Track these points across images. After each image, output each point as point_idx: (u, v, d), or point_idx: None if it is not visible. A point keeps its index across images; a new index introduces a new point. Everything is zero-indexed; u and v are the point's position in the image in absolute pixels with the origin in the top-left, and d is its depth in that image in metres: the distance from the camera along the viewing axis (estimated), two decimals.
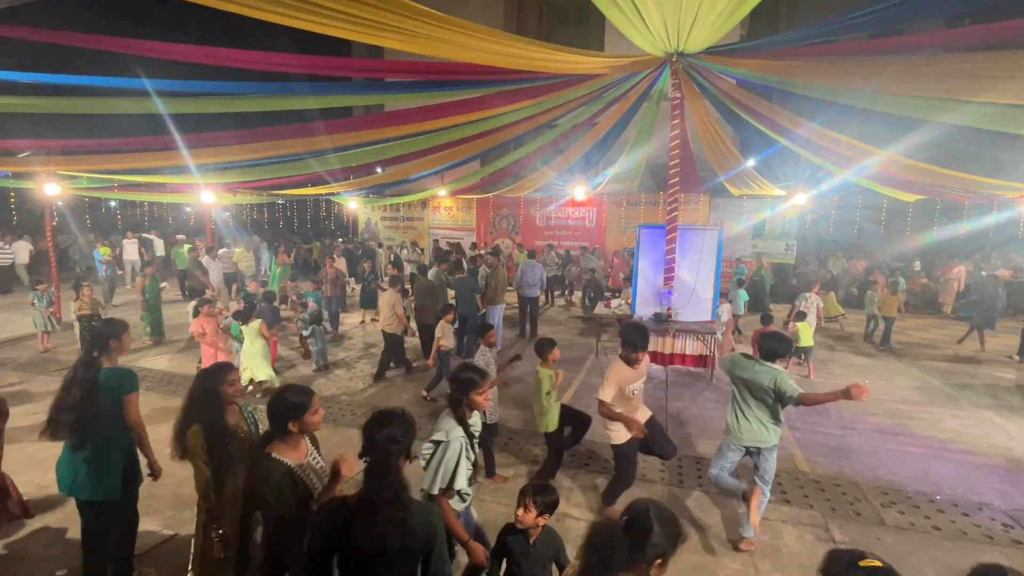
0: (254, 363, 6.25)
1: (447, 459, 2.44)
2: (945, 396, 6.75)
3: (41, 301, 7.80)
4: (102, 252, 12.71)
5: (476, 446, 2.64)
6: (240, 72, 5.92)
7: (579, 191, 13.48)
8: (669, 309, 7.32)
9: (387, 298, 7.14)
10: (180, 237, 14.66)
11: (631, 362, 3.58)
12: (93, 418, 2.76)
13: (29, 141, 8.26)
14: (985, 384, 7.25)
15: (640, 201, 15.26)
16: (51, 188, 9.22)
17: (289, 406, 2.10)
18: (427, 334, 7.83)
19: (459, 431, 2.51)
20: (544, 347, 4.11)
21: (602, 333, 8.90)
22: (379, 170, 13.27)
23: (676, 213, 7.21)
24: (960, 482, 4.55)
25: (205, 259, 10.64)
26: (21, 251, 13.75)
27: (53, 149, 8.67)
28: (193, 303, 6.97)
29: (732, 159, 10.50)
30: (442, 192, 15.90)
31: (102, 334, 2.96)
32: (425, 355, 7.83)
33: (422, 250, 15.83)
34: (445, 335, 6.13)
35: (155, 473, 3.07)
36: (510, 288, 9.63)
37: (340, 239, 19.02)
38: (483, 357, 4.40)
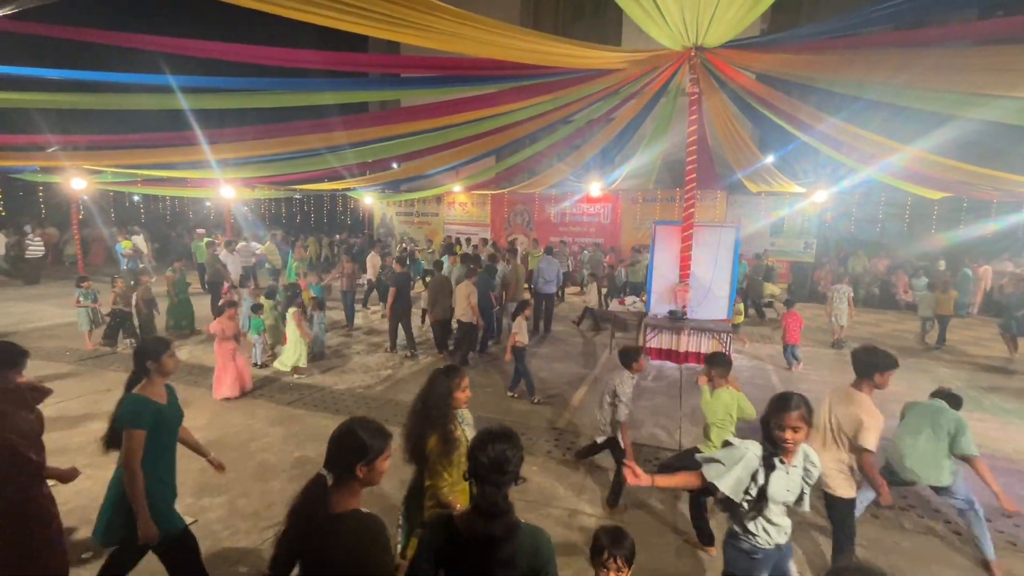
0: (295, 349, 6.73)
1: (727, 454, 2.31)
2: (969, 399, 6.56)
3: (87, 298, 7.82)
4: (124, 246, 13.01)
5: (767, 481, 2.22)
6: (259, 68, 6.00)
7: (594, 187, 13.41)
8: (684, 307, 7.27)
9: (462, 290, 7.28)
10: (200, 231, 14.95)
11: (882, 387, 3.07)
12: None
13: (56, 136, 8.48)
14: (1011, 388, 7.05)
15: (656, 198, 15.13)
16: (77, 183, 9.46)
17: (365, 446, 1.64)
18: (439, 330, 7.90)
19: (758, 450, 2.27)
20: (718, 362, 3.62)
21: (615, 331, 8.86)
22: (395, 166, 13.37)
23: (692, 210, 7.14)
24: (983, 487, 4.43)
25: (223, 253, 10.82)
26: None
27: (79, 144, 8.89)
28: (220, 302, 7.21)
29: (750, 155, 10.35)
30: (457, 188, 15.95)
31: (138, 355, 2.58)
32: (439, 349, 7.91)
33: (433, 250, 15.91)
34: (520, 331, 6.04)
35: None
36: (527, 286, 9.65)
37: (338, 235, 19.14)
38: (625, 385, 3.92)
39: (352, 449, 1.63)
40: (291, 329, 6.77)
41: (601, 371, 7.37)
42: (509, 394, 6.25)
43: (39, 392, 2.78)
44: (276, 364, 6.96)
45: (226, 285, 9.40)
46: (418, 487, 2.59)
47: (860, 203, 14.85)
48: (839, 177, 11.86)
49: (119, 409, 2.48)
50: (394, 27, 4.37)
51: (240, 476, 4.29)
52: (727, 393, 3.45)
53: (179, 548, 2.61)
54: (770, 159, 11.09)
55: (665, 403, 6.16)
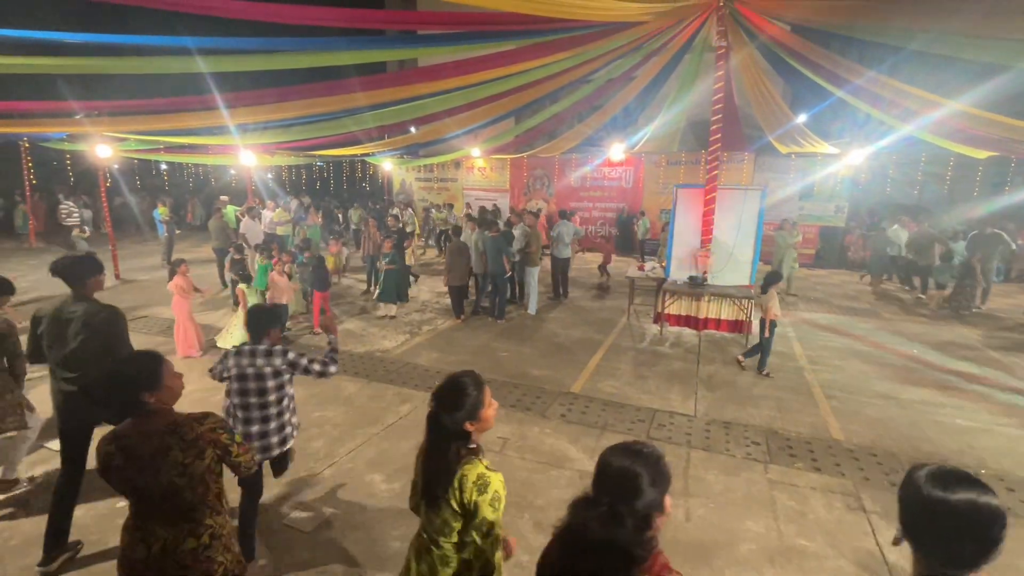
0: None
1: None
2: (1002, 367, 6.36)
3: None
4: (161, 212, 13.26)
5: None
6: (276, 28, 5.90)
7: (616, 150, 13.03)
8: (705, 272, 7.13)
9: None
10: (224, 199, 15.13)
11: None
12: None
13: (81, 103, 8.54)
14: None
15: (680, 160, 14.61)
16: (102, 150, 9.59)
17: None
18: (455, 294, 7.95)
19: None
20: None
21: (634, 296, 8.76)
22: (412, 129, 13.19)
23: (716, 172, 6.90)
24: (1009, 457, 4.33)
25: (245, 220, 10.96)
26: None
27: (103, 110, 8.95)
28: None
29: (781, 115, 9.84)
30: (475, 152, 15.68)
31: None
32: (456, 314, 7.97)
33: (457, 212, 15.78)
34: (774, 304, 5.78)
35: None
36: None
37: (329, 202, 18.92)
38: None
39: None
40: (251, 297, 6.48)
41: (618, 336, 7.34)
42: (739, 358, 6.21)
43: None
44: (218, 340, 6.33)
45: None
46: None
47: (898, 164, 14.05)
48: (877, 136, 11.20)
49: None
50: None
51: None
52: None
53: None
54: (802, 118, 10.51)
55: (682, 369, 6.12)
